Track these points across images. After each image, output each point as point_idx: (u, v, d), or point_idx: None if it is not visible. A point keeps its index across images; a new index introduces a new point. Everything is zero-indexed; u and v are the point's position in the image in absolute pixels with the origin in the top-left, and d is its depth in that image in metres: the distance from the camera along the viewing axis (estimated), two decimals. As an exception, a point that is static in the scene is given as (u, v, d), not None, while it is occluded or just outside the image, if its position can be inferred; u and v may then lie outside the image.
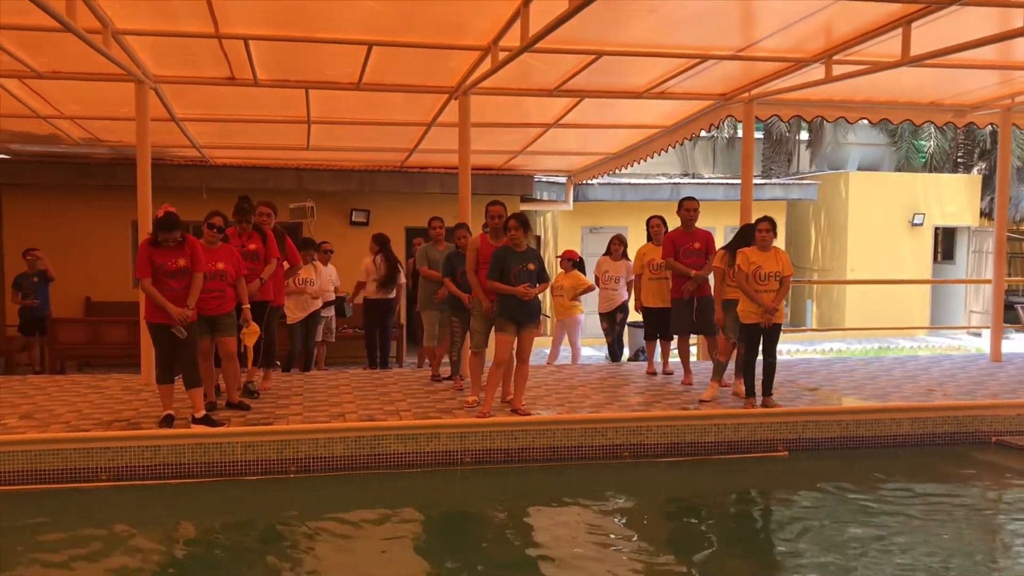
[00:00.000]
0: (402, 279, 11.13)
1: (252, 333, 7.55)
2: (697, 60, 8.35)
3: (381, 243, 10.98)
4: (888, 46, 7.50)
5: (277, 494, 6.42)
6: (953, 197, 19.96)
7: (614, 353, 10.90)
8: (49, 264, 11.82)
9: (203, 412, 6.87)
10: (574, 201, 16.34)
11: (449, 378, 8.79)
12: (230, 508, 6.22)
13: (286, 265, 8.37)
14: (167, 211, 6.73)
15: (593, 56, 8.15)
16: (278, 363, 9.49)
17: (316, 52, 8.10)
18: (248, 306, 7.48)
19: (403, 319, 13.30)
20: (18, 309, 11.78)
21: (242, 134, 11.83)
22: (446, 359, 9.00)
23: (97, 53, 6.90)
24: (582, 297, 11.00)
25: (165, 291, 6.72)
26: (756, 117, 9.93)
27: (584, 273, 11.08)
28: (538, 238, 18.89)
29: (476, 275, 7.65)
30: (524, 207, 15.35)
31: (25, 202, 13.51)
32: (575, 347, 11.32)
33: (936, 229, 20.05)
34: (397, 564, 5.26)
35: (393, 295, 11.04)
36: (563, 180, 15.96)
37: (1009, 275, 21.63)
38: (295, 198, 13.89)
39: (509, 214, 7.47)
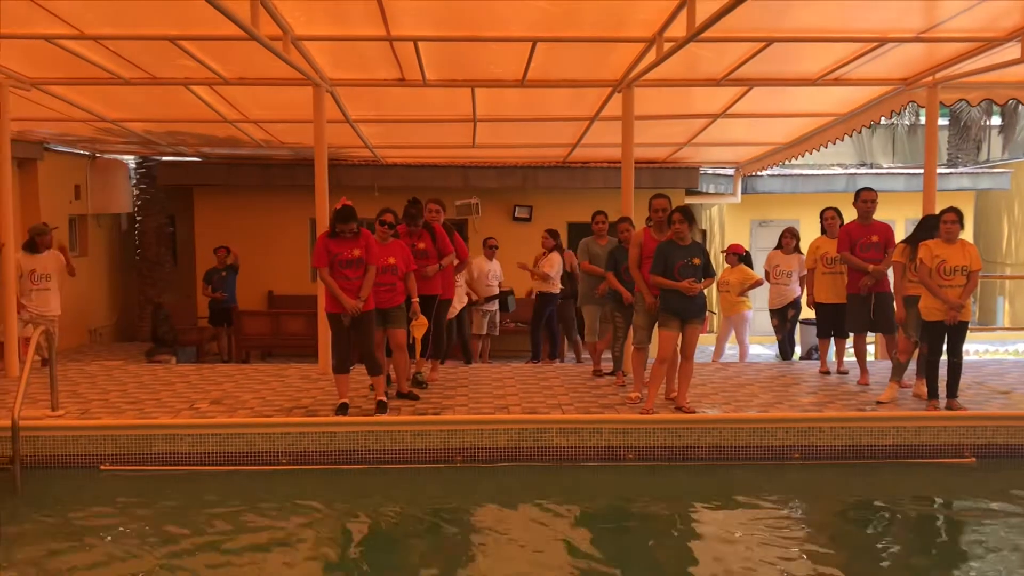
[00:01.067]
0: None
1: (421, 325, 7.78)
2: (875, 44, 7.92)
3: (556, 238, 11.06)
4: (1095, 19, 6.86)
5: (443, 482, 6.60)
6: None
7: (785, 351, 10.52)
8: (237, 257, 12.60)
9: (383, 398, 7.15)
10: (742, 193, 15.86)
11: (611, 374, 8.74)
12: (399, 493, 6.43)
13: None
14: (344, 203, 7.10)
15: (763, 43, 7.88)
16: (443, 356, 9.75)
17: (482, 51, 8.25)
18: (417, 299, 7.71)
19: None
20: (208, 302, 12.63)
21: (411, 134, 12.21)
22: (607, 354, 8.96)
23: (278, 59, 7.29)
24: (749, 293, 10.68)
25: (340, 280, 7.04)
26: (940, 102, 9.30)
27: (751, 267, 10.76)
28: (704, 232, 18.49)
29: (639, 270, 7.56)
30: (689, 200, 15.06)
31: (214, 202, 14.48)
32: (742, 344, 11.01)
33: None
34: (555, 557, 5.28)
35: (566, 289, 11.12)
36: (730, 172, 15.53)
37: None
38: (461, 195, 14.20)
39: (673, 207, 7.35)
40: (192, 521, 5.75)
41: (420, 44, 7.92)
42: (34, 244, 9.42)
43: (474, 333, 11.33)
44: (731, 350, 11.12)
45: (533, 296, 11.31)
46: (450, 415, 7.08)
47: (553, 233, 11.07)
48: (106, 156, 14.10)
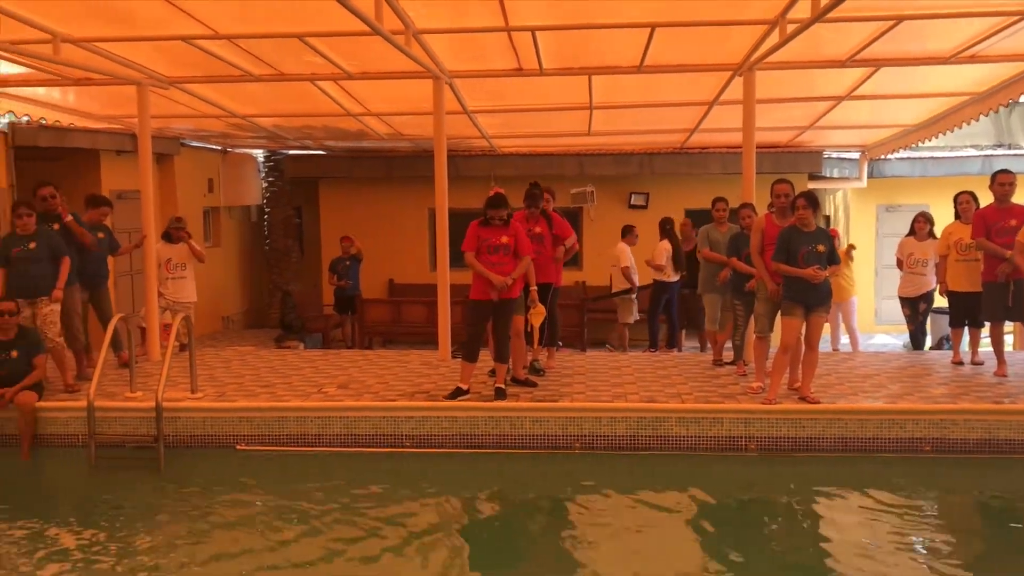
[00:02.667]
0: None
1: (539, 314, 7.85)
2: (1016, 17, 7.50)
3: (665, 226, 11.01)
4: None
5: (562, 469, 6.66)
6: None
7: (917, 341, 10.11)
8: (360, 247, 12.98)
9: (503, 385, 7.29)
10: (868, 177, 15.30)
11: (732, 363, 8.61)
12: (517, 479, 6.54)
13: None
14: (496, 191, 7.31)
15: (892, 21, 7.58)
16: (560, 343, 9.80)
17: (599, 38, 8.24)
18: (535, 287, 7.79)
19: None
20: (333, 290, 13.07)
21: (527, 123, 12.29)
22: (728, 344, 8.83)
23: (400, 53, 7.47)
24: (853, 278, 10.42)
25: (484, 265, 7.21)
26: (1089, 76, 8.74)
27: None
28: (827, 218, 17.93)
29: (761, 257, 7.43)
30: (812, 185, 14.62)
31: (339, 193, 14.95)
32: (852, 332, 10.69)
33: None
34: (672, 547, 5.27)
35: (680, 277, 11.04)
36: (855, 156, 14.99)
37: None
38: (576, 183, 14.22)
39: (796, 193, 7.18)
40: (320, 499, 6.01)
41: (538, 33, 7.97)
42: (170, 234, 9.96)
43: (622, 323, 11.43)
44: (844, 339, 10.81)
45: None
46: (568, 402, 7.13)
47: (664, 221, 11.00)
48: (237, 150, 14.77)
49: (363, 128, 12.19)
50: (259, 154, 15.46)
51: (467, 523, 5.78)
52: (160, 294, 9.71)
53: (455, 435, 6.98)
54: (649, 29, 7.80)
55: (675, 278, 10.98)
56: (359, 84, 9.80)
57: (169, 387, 7.36)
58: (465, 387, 7.31)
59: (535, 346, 8.27)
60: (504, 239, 7.27)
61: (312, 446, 7.03)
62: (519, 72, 9.21)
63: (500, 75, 9.36)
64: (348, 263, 12.85)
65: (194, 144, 13.60)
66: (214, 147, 14.28)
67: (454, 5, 7.45)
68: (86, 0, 7.31)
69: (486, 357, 7.85)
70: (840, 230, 15.80)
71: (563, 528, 5.68)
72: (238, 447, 7.06)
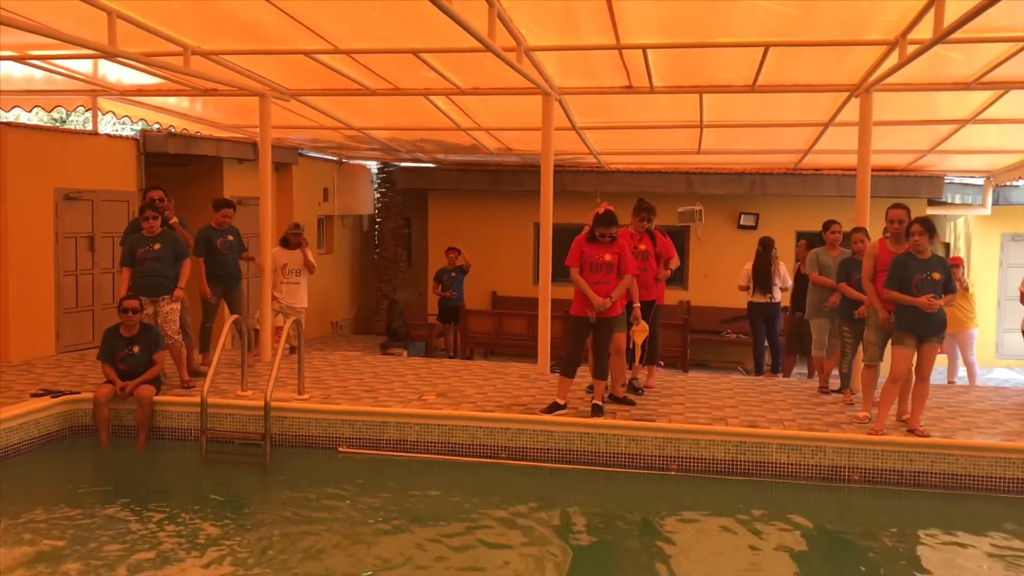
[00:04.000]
0: (786, 284, 10.82)
1: (642, 331, 7.81)
2: None
3: (761, 247, 10.82)
4: None
5: (657, 489, 6.61)
6: None
7: (1039, 377, 9.62)
8: (469, 258, 13.18)
9: (600, 402, 7.30)
10: (993, 204, 14.62)
11: (838, 391, 8.36)
12: (611, 497, 6.52)
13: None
14: (607, 208, 7.29)
15: (1022, 43, 7.27)
16: (661, 363, 9.74)
17: (711, 57, 8.19)
18: (639, 304, 7.76)
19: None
20: (438, 300, 13.31)
21: (635, 140, 12.27)
22: (835, 371, 8.58)
23: (511, 69, 7.59)
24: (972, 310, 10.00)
25: (587, 282, 7.23)
26: None
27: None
28: (947, 245, 17.20)
29: (873, 283, 7.21)
30: (931, 211, 14.08)
31: (447, 205, 15.23)
32: (970, 366, 10.24)
33: None
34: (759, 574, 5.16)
35: (773, 299, 10.78)
36: (979, 181, 14.35)
37: None
38: (684, 201, 14.07)
39: (912, 218, 6.94)
40: (417, 505, 6.14)
41: (649, 51, 7.96)
42: (288, 240, 10.34)
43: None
44: (962, 372, 10.37)
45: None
46: (666, 423, 7.07)
47: (763, 241, 10.82)
48: (351, 161, 15.23)
49: (473, 142, 12.41)
50: (372, 165, 15.92)
51: (558, 538, 5.78)
52: (274, 298, 10.09)
53: (550, 449, 7.01)
54: (763, 48, 7.70)
55: (765, 299, 10.74)
56: (471, 99, 10.00)
57: (278, 388, 7.63)
58: (562, 402, 7.33)
59: (636, 364, 8.23)
60: (608, 257, 7.27)
61: (410, 452, 7.17)
62: (629, 90, 9.22)
63: (610, 92, 9.40)
64: (454, 274, 13.06)
65: (311, 154, 14.11)
66: (330, 158, 14.77)
67: (565, 23, 7.53)
68: (216, 15, 7.71)
69: (585, 373, 7.86)
70: (963, 258, 15.15)
71: (652, 548, 5.64)
72: (340, 449, 7.27)
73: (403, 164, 15.42)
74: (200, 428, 7.14)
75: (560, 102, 9.58)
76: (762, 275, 10.74)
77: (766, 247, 10.85)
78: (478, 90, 9.43)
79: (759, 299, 10.79)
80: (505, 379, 8.89)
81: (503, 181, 14.57)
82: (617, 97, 9.63)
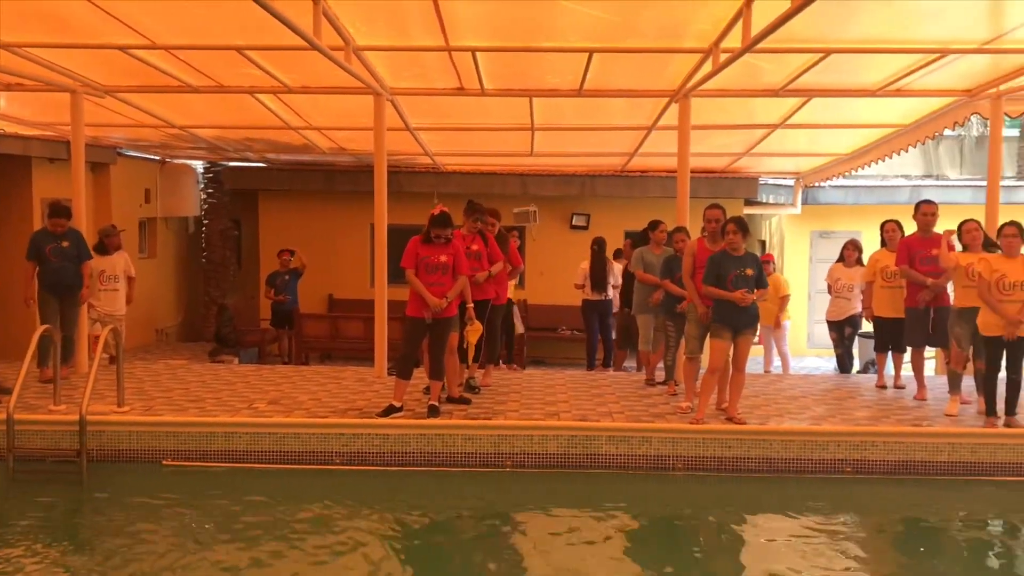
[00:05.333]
0: (618, 281, 11.20)
1: (475, 331, 7.88)
2: (936, 55, 7.81)
3: (594, 246, 11.18)
4: None
5: (492, 486, 6.68)
6: None
7: (844, 365, 10.38)
8: (305, 259, 12.86)
9: (437, 402, 7.31)
10: (802, 204, 15.68)
11: (664, 383, 8.74)
12: (447, 497, 6.54)
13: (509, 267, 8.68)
14: (442, 210, 7.30)
15: (821, 54, 7.83)
16: (500, 361, 9.87)
17: (539, 61, 8.35)
18: (472, 304, 7.83)
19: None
20: (270, 304, 12.95)
21: (470, 141, 12.37)
22: (661, 364, 8.96)
23: (341, 68, 7.48)
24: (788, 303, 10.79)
25: (422, 283, 7.23)
26: (1006, 114, 9.11)
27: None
28: (762, 243, 18.29)
29: (692, 280, 7.57)
30: (748, 211, 14.94)
31: (278, 206, 14.84)
32: (784, 356, 10.96)
33: None
34: (600, 565, 5.32)
35: (607, 296, 11.17)
36: (790, 182, 15.37)
37: None
38: (519, 203, 14.31)
39: (728, 218, 7.34)
40: (247, 516, 5.94)
41: (478, 54, 8.05)
42: (103, 245, 9.79)
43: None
44: (777, 361, 11.09)
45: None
46: (501, 420, 7.17)
47: (597, 241, 11.20)
48: (175, 161, 14.57)
49: (305, 141, 12.15)
50: (198, 165, 15.28)
51: (395, 540, 5.75)
52: (91, 306, 9.52)
53: (386, 452, 6.95)
54: (588, 54, 7.94)
55: (600, 297, 11.12)
56: (300, 98, 9.78)
57: (95, 400, 7.21)
58: (398, 404, 7.29)
59: (470, 363, 8.30)
60: (444, 258, 7.30)
61: (240, 462, 6.94)
62: (461, 91, 9.28)
63: (442, 94, 9.43)
64: (287, 277, 12.74)
65: (131, 154, 13.40)
66: (152, 157, 14.07)
67: (394, 23, 7.49)
68: (20, 5, 7.19)
69: (422, 375, 7.86)
70: (775, 255, 16.17)
71: (489, 546, 5.70)
72: (164, 462, 6.94)
73: (231, 164, 14.89)
74: (7, 447, 6.64)
75: (392, 102, 9.53)
76: (598, 274, 11.10)
77: (601, 247, 11.21)
78: (307, 89, 9.24)
79: (594, 297, 11.14)
80: (341, 384, 8.76)
81: (337, 181, 14.34)
82: (450, 98, 9.67)
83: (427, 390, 7.67)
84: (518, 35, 7.68)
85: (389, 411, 7.22)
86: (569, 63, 8.29)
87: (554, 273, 14.03)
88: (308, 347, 12.86)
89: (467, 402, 7.81)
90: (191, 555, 5.29)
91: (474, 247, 8.14)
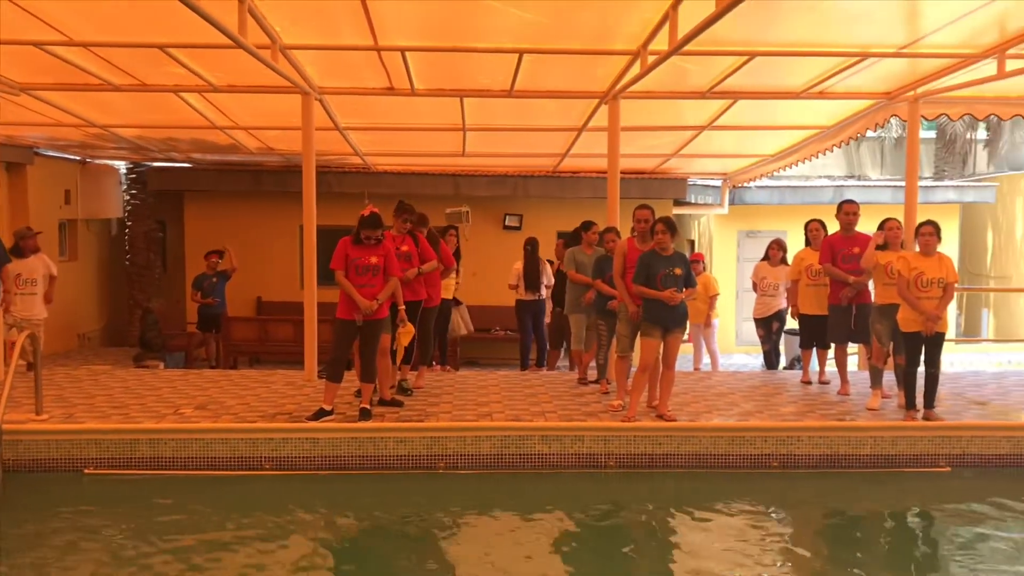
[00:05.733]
0: (550, 282, 11.25)
1: (407, 333, 7.83)
2: (857, 58, 8.03)
3: (527, 246, 11.20)
4: (1071, 37, 6.98)
5: (426, 489, 6.64)
6: None
7: (770, 361, 10.60)
8: (235, 260, 12.61)
9: (368, 405, 7.23)
10: (730, 204, 15.96)
11: (596, 382, 8.81)
12: (380, 501, 6.47)
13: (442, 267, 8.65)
14: (372, 211, 7.22)
15: (746, 57, 7.98)
16: (434, 363, 9.86)
17: (469, 61, 8.33)
18: (404, 306, 7.78)
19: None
20: (197, 307, 12.66)
21: (401, 142, 12.29)
22: (593, 363, 9.02)
23: (267, 67, 7.36)
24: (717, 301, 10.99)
25: (352, 285, 7.16)
26: (922, 116, 9.43)
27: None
28: (692, 242, 18.57)
29: (623, 279, 7.64)
30: (677, 211, 15.15)
31: (205, 207, 14.52)
32: (713, 354, 11.16)
33: None
34: (539, 564, 5.33)
35: (541, 297, 11.21)
36: (718, 183, 15.64)
37: None
38: (452, 203, 14.28)
39: (657, 218, 7.43)
40: (173, 524, 5.80)
41: (408, 54, 8.00)
42: (19, 248, 9.46)
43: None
44: (706, 359, 11.28)
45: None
46: (433, 422, 7.13)
47: (531, 241, 11.21)
48: (97, 161, 14.15)
49: (231, 141, 11.92)
50: (121, 166, 14.87)
51: (328, 546, 5.68)
52: (7, 311, 9.18)
53: (316, 457, 6.86)
54: (518, 55, 7.95)
55: (534, 297, 11.16)
56: (226, 97, 9.59)
57: (12, 408, 6.97)
58: (329, 408, 7.21)
59: (399, 365, 8.26)
60: (374, 259, 7.24)
61: (166, 470, 6.77)
62: (391, 91, 9.21)
63: (371, 93, 9.34)
64: (215, 280, 12.48)
65: (50, 153, 12.96)
66: (72, 157, 13.64)
67: (322, 22, 7.39)
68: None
69: (353, 378, 7.77)
70: (704, 255, 16.44)
71: (424, 549, 5.66)
72: (86, 471, 6.73)
73: (156, 164, 14.52)
74: (-86, 459, 6.37)
75: (321, 102, 9.41)
76: (532, 274, 11.13)
77: (534, 247, 11.24)
78: (234, 88, 9.07)
79: (528, 297, 11.16)
80: (270, 388, 8.61)
81: (265, 182, 14.11)
82: (380, 98, 9.59)
83: (359, 393, 7.59)
84: (448, 35, 7.65)
85: (319, 415, 7.13)
86: (500, 64, 8.30)
87: (487, 274, 14.03)
88: (236, 351, 12.62)
89: (399, 404, 7.75)
90: (116, 568, 5.14)
91: (404, 248, 8.09)
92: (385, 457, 6.88)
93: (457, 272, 10.72)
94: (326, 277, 8.11)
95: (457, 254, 10.72)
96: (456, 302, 10.96)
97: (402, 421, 7.17)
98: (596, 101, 9.52)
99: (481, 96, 9.42)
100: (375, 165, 14.09)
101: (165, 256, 15.58)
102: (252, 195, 14.34)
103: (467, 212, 14.34)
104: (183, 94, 9.35)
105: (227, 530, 5.77)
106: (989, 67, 7.87)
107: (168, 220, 15.33)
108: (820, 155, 11.82)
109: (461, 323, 11.53)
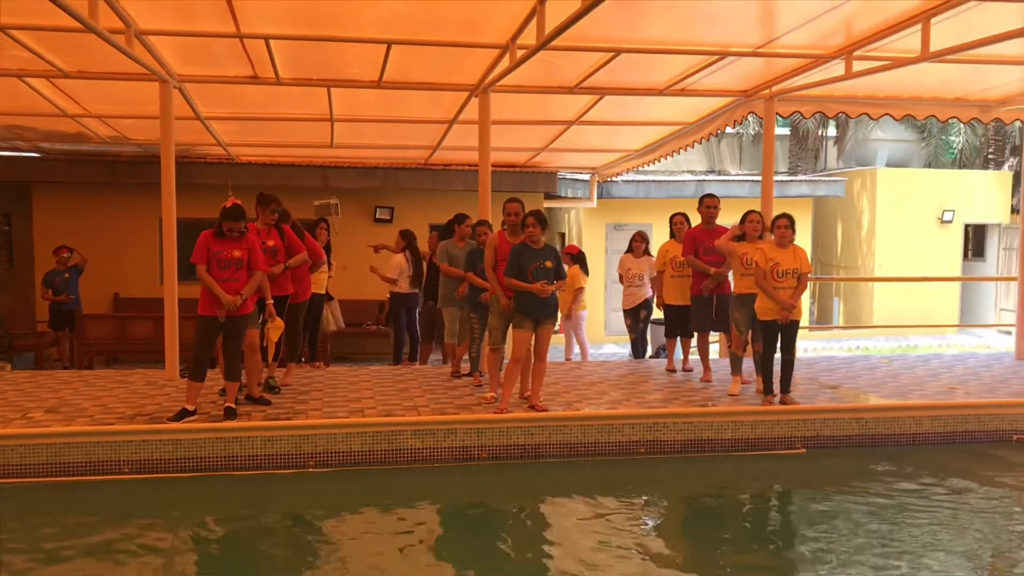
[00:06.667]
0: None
1: (276, 328, 7.65)
2: (717, 57, 8.33)
3: (408, 239, 11.07)
4: (909, 42, 7.44)
5: (296, 488, 6.50)
6: (984, 194, 19.70)
7: (637, 350, 10.90)
8: (83, 254, 11.97)
9: (233, 404, 7.03)
10: (598, 198, 16.32)
11: (469, 375, 8.83)
12: (249, 501, 6.29)
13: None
14: (235, 202, 6.99)
15: (612, 54, 8.15)
16: (303, 359, 9.66)
17: (337, 51, 8.18)
18: (272, 301, 7.59)
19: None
20: (48, 305, 11.97)
21: (266, 132, 11.96)
22: (467, 355, 9.04)
23: (122, 53, 7.01)
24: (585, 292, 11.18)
25: (215, 280, 6.92)
26: (778, 114, 9.88)
27: (586, 268, 11.26)
28: (562, 235, 18.88)
29: (494, 272, 7.68)
30: (548, 204, 15.36)
31: (55, 200, 13.73)
32: (582, 344, 11.38)
33: (966, 226, 19.80)
34: (414, 560, 5.31)
35: (415, 290, 11.13)
36: (587, 177, 15.95)
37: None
38: (320, 195, 13.96)
39: (527, 211, 7.50)
40: (23, 535, 5.47)
41: (272, 42, 7.78)
42: None
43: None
44: (577, 349, 11.51)
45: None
46: (302, 419, 6.99)
47: (406, 235, 11.10)
48: (-68, 150, 13.16)
49: (82, 130, 11.31)
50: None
51: (192, 550, 5.48)
52: None
53: (180, 459, 6.60)
54: (386, 45, 7.86)
55: (411, 291, 11.07)
56: (77, 83, 9.08)
57: None
58: (192, 408, 6.95)
59: (270, 362, 8.05)
60: (237, 253, 7.03)
61: (14, 478, 6.37)
62: (255, 80, 8.94)
63: (234, 82, 9.05)
64: (67, 275, 11.83)
65: None
66: (-97, 145, 12.66)
67: (180, 7, 7.09)
68: None
69: (218, 376, 7.53)
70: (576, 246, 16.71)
71: (293, 549, 5.55)
72: (-78, 483, 6.27)
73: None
74: None
75: (181, 90, 9.05)
76: (416, 267, 10.98)
77: (411, 240, 11.12)
78: (85, 73, 8.59)
79: (404, 290, 11.04)
80: (129, 388, 8.24)
81: (122, 173, 13.46)
82: (244, 87, 9.29)
83: (224, 391, 7.36)
84: (314, 23, 7.48)
85: (182, 415, 6.88)
86: (368, 54, 8.18)
87: (358, 267, 13.84)
88: (91, 350, 11.99)
89: (267, 403, 7.56)
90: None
91: (270, 243, 7.89)
92: (253, 457, 6.69)
93: (329, 266, 10.53)
94: (187, 272, 7.81)
95: (328, 248, 10.52)
96: (328, 297, 10.75)
97: (270, 419, 6.99)
98: (467, 94, 9.53)
99: (349, 86, 9.28)
100: (239, 156, 13.68)
101: (11, 252, 14.65)
102: (108, 187, 13.66)
103: (336, 204, 14.06)
104: (28, 79, 8.81)
105: (80, 538, 5.48)
106: (838, 67, 8.31)
107: (14, 213, 14.42)
108: (683, 150, 12.21)
109: (331, 318, 11.32)
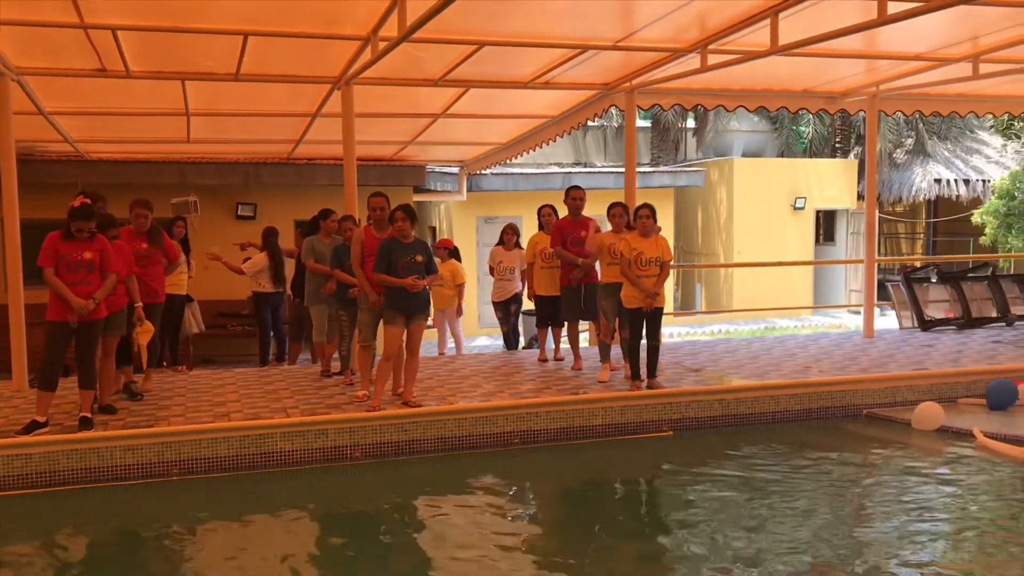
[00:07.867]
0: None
1: (146, 332, 7.38)
2: (578, 51, 8.45)
3: (265, 236, 10.78)
4: (759, 36, 7.74)
5: (160, 498, 6.24)
6: (832, 181, 20.80)
7: (509, 342, 10.98)
8: None
9: (89, 413, 6.71)
10: (468, 191, 16.33)
11: (339, 373, 8.68)
12: (110, 515, 6.01)
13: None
14: (84, 201, 6.63)
15: (475, 46, 8.15)
16: (164, 364, 9.32)
17: (190, 43, 7.86)
18: (140, 304, 7.29)
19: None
20: None
21: (118, 127, 11.39)
22: (336, 354, 8.89)
23: (-50, 43, 6.54)
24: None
25: (64, 284, 6.56)
26: (638, 106, 10.13)
27: (460, 262, 11.26)
28: (433, 229, 18.83)
29: (362, 268, 7.57)
30: (417, 198, 15.27)
31: None
32: (457, 338, 11.40)
33: (817, 212, 20.87)
34: (290, 566, 5.18)
35: (282, 289, 10.87)
36: (456, 170, 15.93)
37: (884, 254, 22.76)
38: (178, 192, 13.44)
39: (395, 205, 7.42)
40: None
41: (120, 33, 7.40)
42: None
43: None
44: (451, 343, 11.51)
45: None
46: (164, 427, 6.70)
47: (269, 231, 10.81)
48: None
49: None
50: None
51: (53, 568, 5.17)
52: None
53: (31, 473, 6.21)
54: (243, 37, 7.61)
55: (275, 290, 10.80)
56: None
57: None
58: (43, 419, 6.56)
59: (145, 367, 7.70)
60: (88, 255, 6.66)
61: None
62: (102, 73, 8.49)
63: (80, 75, 8.56)
64: None
65: None
66: None
67: (16, -6, 6.67)
68: None
69: (71, 385, 7.14)
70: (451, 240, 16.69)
71: (160, 561, 5.32)
72: None
73: None
74: None
75: (20, 83, 8.49)
76: (278, 266, 10.71)
77: (275, 238, 10.83)
78: (-92, 65, 7.96)
79: (268, 289, 10.75)
80: (-29, 401, 7.71)
81: (-43, 172, 12.53)
82: (91, 81, 8.80)
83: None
84: (165, 14, 7.13)
85: (32, 427, 6.48)
86: (224, 45, 7.89)
87: (219, 267, 13.38)
88: (-71, 363, 11.14)
89: (113, 411, 7.18)
90: None
91: (143, 246, 7.69)
92: (112, 468, 6.37)
93: (189, 266, 10.16)
94: (34, 276, 7.35)
95: (186, 246, 10.15)
96: (188, 298, 10.36)
97: (129, 428, 6.68)
98: (329, 86, 9.34)
99: (205, 79, 8.93)
100: (89, 152, 12.97)
101: None
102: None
103: (195, 202, 13.56)
104: None
105: (-79, 567, 5.10)
106: (694, 61, 8.57)
107: None
108: (549, 143, 12.36)
109: (193, 320, 10.93)
